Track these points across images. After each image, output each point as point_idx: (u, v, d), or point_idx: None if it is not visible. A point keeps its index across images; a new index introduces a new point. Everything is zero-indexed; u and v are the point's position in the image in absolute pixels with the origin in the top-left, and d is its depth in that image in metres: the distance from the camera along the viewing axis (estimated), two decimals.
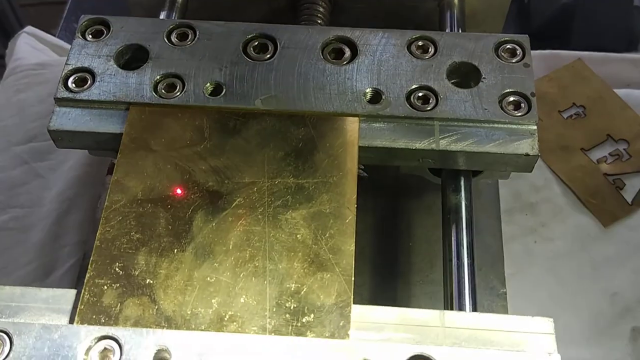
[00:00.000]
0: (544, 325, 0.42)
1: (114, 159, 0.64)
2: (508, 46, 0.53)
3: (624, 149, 0.68)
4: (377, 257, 0.60)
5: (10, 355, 0.40)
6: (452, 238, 0.51)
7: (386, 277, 0.59)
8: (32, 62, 0.76)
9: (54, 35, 0.94)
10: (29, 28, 0.83)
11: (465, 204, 0.52)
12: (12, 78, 0.75)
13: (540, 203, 0.65)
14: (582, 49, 0.82)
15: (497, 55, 0.53)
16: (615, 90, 0.74)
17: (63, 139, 0.51)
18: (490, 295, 0.57)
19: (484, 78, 0.51)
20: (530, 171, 0.50)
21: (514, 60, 0.53)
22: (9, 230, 0.65)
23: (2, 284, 0.44)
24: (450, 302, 0.48)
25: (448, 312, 0.42)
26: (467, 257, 0.50)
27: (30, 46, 0.81)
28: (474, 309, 0.48)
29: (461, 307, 0.47)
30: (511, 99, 0.50)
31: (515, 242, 0.62)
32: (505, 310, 0.56)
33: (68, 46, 0.85)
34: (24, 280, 0.61)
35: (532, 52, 0.78)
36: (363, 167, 0.53)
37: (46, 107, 0.71)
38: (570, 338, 0.57)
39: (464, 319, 0.42)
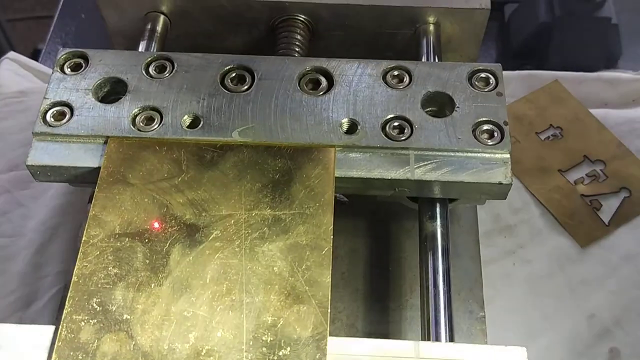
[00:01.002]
0: (518, 354, 0.43)
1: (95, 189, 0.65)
2: (482, 75, 0.54)
3: (601, 170, 0.69)
4: (357, 282, 0.60)
5: None
6: (429, 265, 0.51)
7: (365, 301, 0.59)
8: (13, 89, 0.76)
9: (39, 54, 0.95)
10: (12, 54, 0.83)
11: (442, 231, 0.53)
12: None
13: (518, 225, 0.66)
14: (560, 67, 0.83)
15: (471, 84, 0.54)
16: (592, 110, 0.75)
17: (41, 173, 0.51)
18: (469, 319, 0.58)
19: (457, 107, 0.52)
20: (504, 198, 0.51)
21: (487, 89, 0.53)
22: None
23: None
24: (428, 330, 0.49)
25: (423, 343, 0.43)
26: (444, 284, 0.50)
27: (13, 72, 0.82)
28: (451, 338, 0.48)
29: (437, 336, 0.48)
30: (484, 127, 0.51)
31: (494, 265, 0.63)
32: (483, 334, 0.57)
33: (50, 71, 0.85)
34: (5, 311, 0.61)
35: (511, 72, 0.80)
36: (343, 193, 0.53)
37: (28, 135, 0.70)
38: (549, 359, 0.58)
39: (438, 350, 0.43)
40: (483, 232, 0.64)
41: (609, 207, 0.67)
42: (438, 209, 0.53)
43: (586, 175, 0.69)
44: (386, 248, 0.62)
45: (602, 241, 0.65)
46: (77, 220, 0.65)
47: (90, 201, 0.65)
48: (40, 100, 0.67)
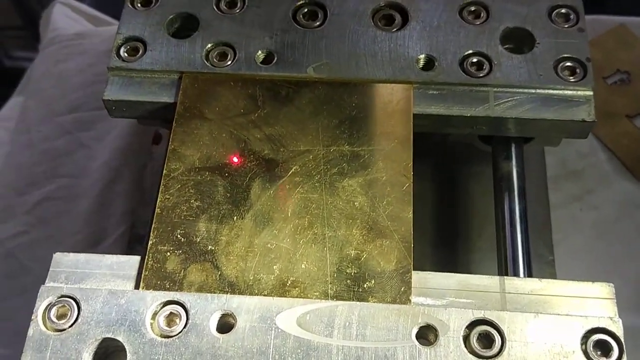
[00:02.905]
0: (605, 290, 0.42)
1: (159, 128, 0.65)
2: (562, 10, 0.52)
3: None
4: (424, 225, 0.60)
5: (79, 320, 0.41)
6: (505, 205, 0.51)
7: (433, 244, 0.59)
8: (70, 32, 0.76)
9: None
10: None
11: (517, 171, 0.52)
12: (51, 48, 0.75)
13: (585, 170, 0.64)
14: (620, 12, 0.80)
15: (551, 20, 0.52)
16: None
17: (116, 108, 0.51)
18: (538, 263, 0.57)
19: (537, 43, 0.51)
20: (586, 137, 0.50)
21: (567, 25, 0.52)
22: (56, 200, 0.65)
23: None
24: (505, 268, 0.48)
25: (508, 278, 0.43)
26: (520, 223, 0.50)
27: (66, 16, 0.81)
28: (529, 275, 0.48)
29: (516, 273, 0.48)
30: (566, 64, 0.50)
31: (561, 210, 0.62)
32: (553, 278, 0.57)
33: (102, 16, 0.85)
34: (73, 250, 0.61)
35: None
36: None
37: (87, 77, 0.71)
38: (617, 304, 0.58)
39: (524, 285, 0.42)
40: (549, 177, 0.63)
41: None
42: (513, 149, 0.52)
43: None
44: (452, 192, 0.61)
45: None
46: (140, 162, 0.65)
47: (154, 142, 0.66)
48: (97, 44, 0.66)
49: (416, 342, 0.40)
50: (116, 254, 0.62)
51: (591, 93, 0.49)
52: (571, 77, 0.49)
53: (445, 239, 0.59)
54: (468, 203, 0.60)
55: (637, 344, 0.56)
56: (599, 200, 0.63)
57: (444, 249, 0.58)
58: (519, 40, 0.52)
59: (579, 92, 0.49)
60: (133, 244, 0.61)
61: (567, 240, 0.61)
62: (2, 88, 0.84)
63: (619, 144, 0.66)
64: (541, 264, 0.57)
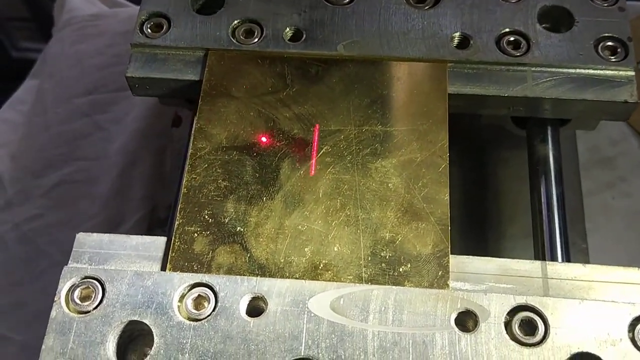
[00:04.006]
0: None
1: (179, 110, 0.63)
2: None
3: None
4: (453, 212, 0.58)
5: (104, 302, 0.40)
6: (541, 190, 0.49)
7: (462, 232, 0.57)
8: (86, 13, 0.74)
9: None
10: None
11: (554, 155, 0.50)
12: (66, 30, 0.73)
13: (617, 157, 0.63)
14: None
15: None
16: None
17: (140, 86, 0.49)
18: (571, 251, 0.55)
19: (577, 22, 0.49)
20: (626, 119, 0.48)
21: (606, 4, 0.50)
22: (73, 183, 0.64)
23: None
24: (542, 254, 0.47)
25: (550, 263, 0.41)
26: (558, 208, 0.48)
27: None
28: (567, 261, 0.46)
29: (553, 260, 0.46)
30: (607, 43, 0.48)
31: (592, 198, 0.60)
32: None
33: None
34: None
35: None
36: None
37: (105, 59, 0.69)
38: None
39: (567, 270, 0.41)
40: (580, 164, 0.61)
41: None
42: (549, 132, 0.51)
43: None
44: (481, 177, 0.59)
45: None
46: (159, 145, 0.64)
47: (173, 125, 0.64)
48: (114, 25, 0.64)
49: (455, 328, 0.38)
50: None
51: (633, 73, 0.47)
52: (612, 57, 0.47)
53: (475, 226, 0.57)
54: (498, 189, 0.58)
55: None
56: (631, 188, 0.61)
57: (473, 237, 0.57)
58: (555, 20, 0.50)
59: (621, 72, 0.47)
60: (153, 228, 0.59)
61: (599, 229, 0.59)
62: (10, 78, 0.82)
63: None
64: (574, 252, 0.55)
